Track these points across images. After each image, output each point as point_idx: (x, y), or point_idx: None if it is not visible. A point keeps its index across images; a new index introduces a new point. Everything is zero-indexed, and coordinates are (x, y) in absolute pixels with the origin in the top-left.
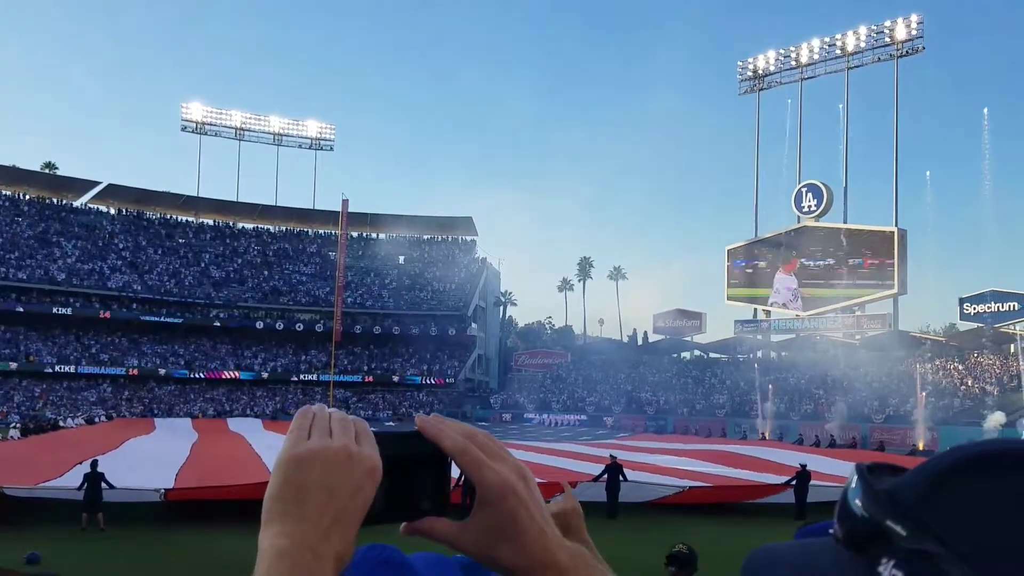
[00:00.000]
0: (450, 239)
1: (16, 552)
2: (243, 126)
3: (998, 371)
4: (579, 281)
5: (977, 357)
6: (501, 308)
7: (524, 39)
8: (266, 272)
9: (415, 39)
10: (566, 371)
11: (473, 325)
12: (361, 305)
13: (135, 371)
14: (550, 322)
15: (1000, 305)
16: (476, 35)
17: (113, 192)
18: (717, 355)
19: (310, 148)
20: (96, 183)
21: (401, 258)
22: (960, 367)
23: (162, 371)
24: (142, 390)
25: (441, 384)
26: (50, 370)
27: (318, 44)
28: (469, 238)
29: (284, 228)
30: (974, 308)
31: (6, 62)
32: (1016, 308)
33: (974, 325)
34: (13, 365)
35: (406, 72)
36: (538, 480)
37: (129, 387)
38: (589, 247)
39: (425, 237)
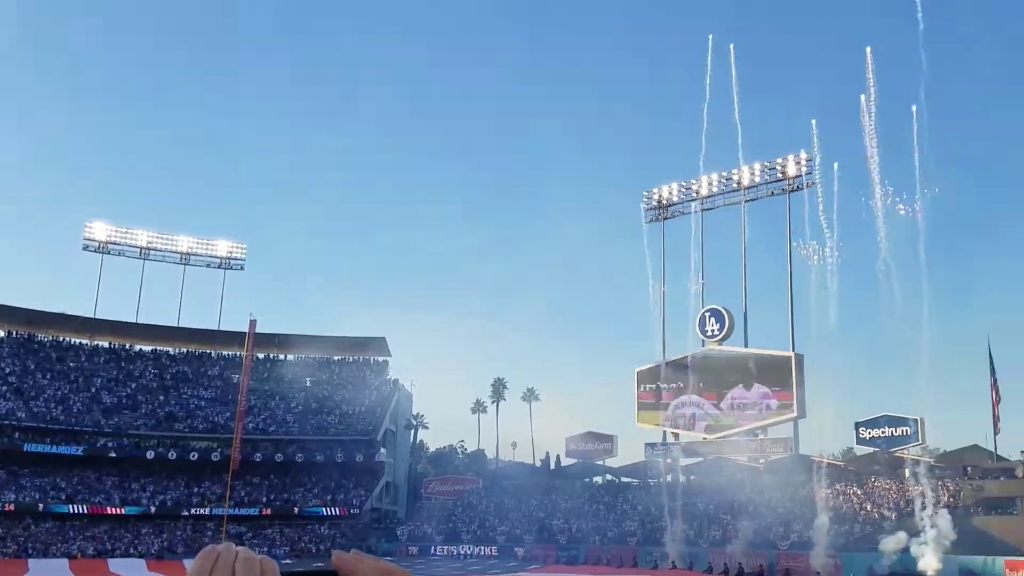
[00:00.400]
0: (361, 360)
1: None
2: (149, 245)
3: (895, 495)
4: (492, 403)
5: (874, 482)
6: (412, 432)
7: (436, 164)
8: (162, 397)
9: (327, 160)
10: (477, 498)
11: (382, 450)
12: (263, 431)
13: (11, 506)
14: (462, 446)
15: (893, 429)
16: (385, 157)
17: (2, 313)
18: (628, 479)
19: (219, 267)
20: None
21: (308, 380)
22: (859, 491)
23: (41, 506)
24: (17, 527)
25: (345, 515)
26: None
27: (230, 163)
28: (381, 359)
29: (185, 350)
30: (869, 433)
31: None
32: (908, 433)
33: (870, 449)
34: None
35: (320, 191)
36: None
37: (3, 524)
38: (503, 368)
39: (335, 358)
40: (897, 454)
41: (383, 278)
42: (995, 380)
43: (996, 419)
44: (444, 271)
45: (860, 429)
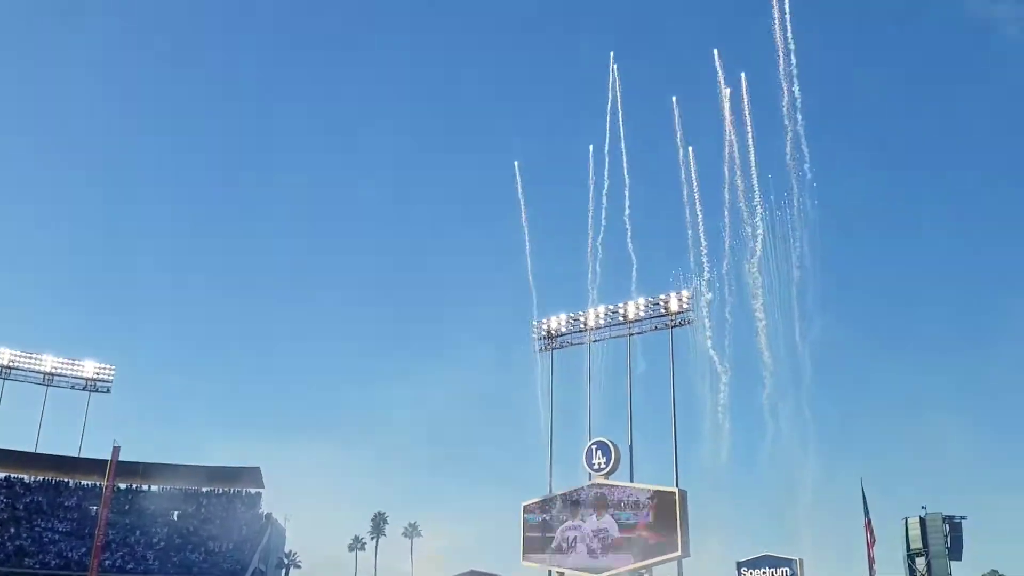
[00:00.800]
0: (232, 492)
1: None
2: (10, 364)
3: None
4: (372, 539)
5: None
6: (283, 571)
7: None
8: (13, 528)
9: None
10: None
11: None
12: (121, 568)
13: None
14: None
15: (774, 570)
16: (268, 281)
17: None
18: None
19: (84, 389)
20: None
21: (175, 513)
22: None
23: None
24: None
25: None
26: None
27: (101, 282)
28: (254, 491)
29: (42, 478)
30: (750, 572)
31: None
32: (788, 574)
33: None
34: None
35: (193, 311)
36: None
37: None
38: (384, 501)
39: (204, 489)
40: None
41: (258, 405)
42: (869, 521)
43: (871, 560)
44: (325, 399)
45: (742, 569)
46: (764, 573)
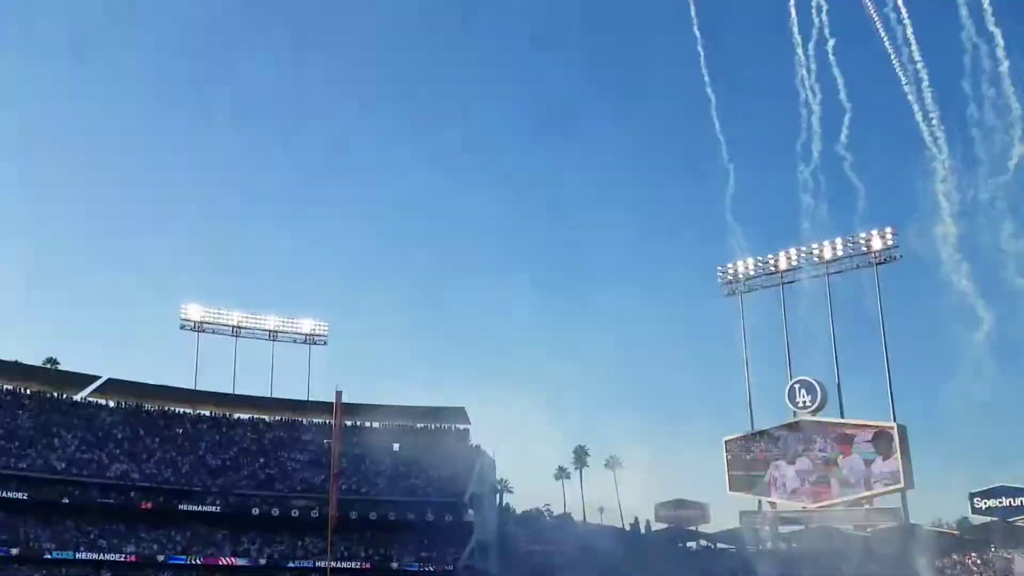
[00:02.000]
0: (443, 427)
1: None
2: (240, 324)
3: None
4: (575, 469)
5: (992, 552)
6: (498, 495)
7: (509, 236)
8: (262, 459)
9: (405, 247)
10: (568, 559)
11: (470, 512)
12: (356, 492)
13: (134, 557)
14: (548, 509)
15: (1011, 500)
16: (467, 236)
17: (113, 386)
18: (725, 545)
19: (304, 343)
20: (96, 377)
21: (396, 446)
22: (977, 561)
23: (160, 557)
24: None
25: (440, 571)
26: (49, 556)
27: (315, 243)
28: (462, 427)
29: (279, 418)
30: (985, 503)
31: (9, 261)
32: None
33: (986, 519)
34: (14, 551)
35: (399, 269)
36: None
37: (128, 573)
38: (584, 436)
39: (418, 426)
40: (1016, 523)
41: (462, 348)
42: None
43: None
44: (522, 340)
45: (975, 499)
46: (1000, 503)
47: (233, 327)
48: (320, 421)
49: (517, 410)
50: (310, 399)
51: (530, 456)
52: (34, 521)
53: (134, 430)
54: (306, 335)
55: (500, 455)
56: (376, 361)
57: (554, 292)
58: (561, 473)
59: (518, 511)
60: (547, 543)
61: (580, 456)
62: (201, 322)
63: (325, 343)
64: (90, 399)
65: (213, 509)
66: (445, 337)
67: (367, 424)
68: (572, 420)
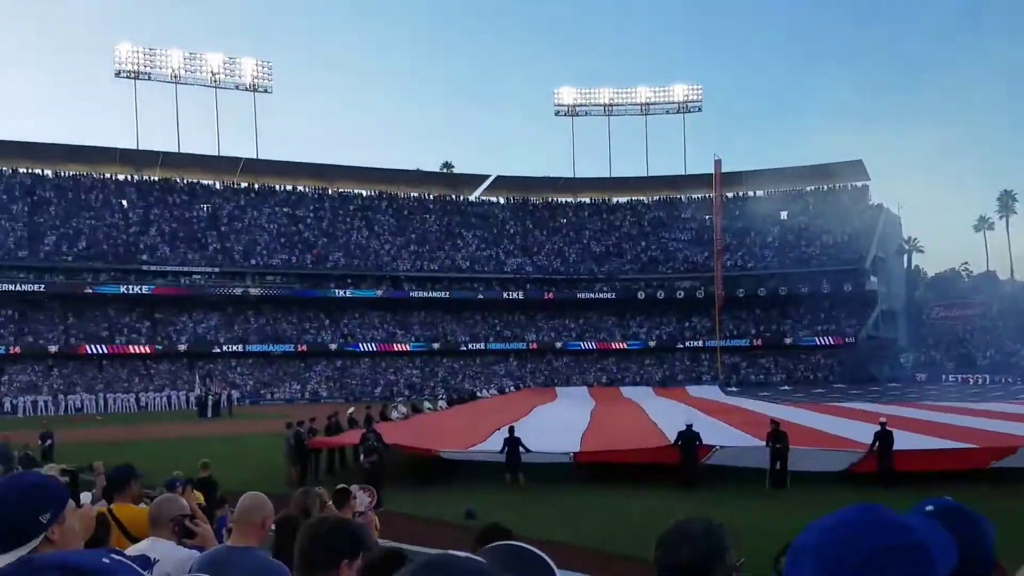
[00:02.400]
0: (836, 187)
1: (455, 507)
2: (611, 102)
3: None
4: (1000, 218)
5: None
6: (905, 257)
7: None
8: (643, 243)
9: None
10: (991, 323)
11: (872, 278)
12: (742, 267)
13: (535, 345)
14: (966, 269)
15: None
16: None
17: (501, 183)
18: None
19: (677, 112)
20: (486, 176)
21: (783, 214)
22: None
23: (558, 344)
24: (542, 362)
25: (840, 344)
26: (464, 348)
27: (683, 8)
28: (859, 184)
29: (657, 197)
30: None
31: (400, 70)
32: None
33: None
34: (435, 345)
35: (775, 20)
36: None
37: (531, 360)
38: (1010, 178)
39: (808, 188)
40: None
41: (848, 98)
42: None
43: None
44: (928, 73)
45: None
46: None
47: (604, 106)
48: (699, 196)
49: (925, 156)
50: (687, 173)
51: (943, 208)
52: (449, 317)
53: (523, 224)
54: (679, 103)
55: (906, 211)
56: (756, 122)
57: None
58: (982, 224)
59: (929, 273)
60: (965, 307)
61: (1006, 202)
62: (574, 105)
63: (700, 109)
64: (483, 198)
65: (601, 296)
66: (831, 83)
67: (750, 193)
68: (994, 159)
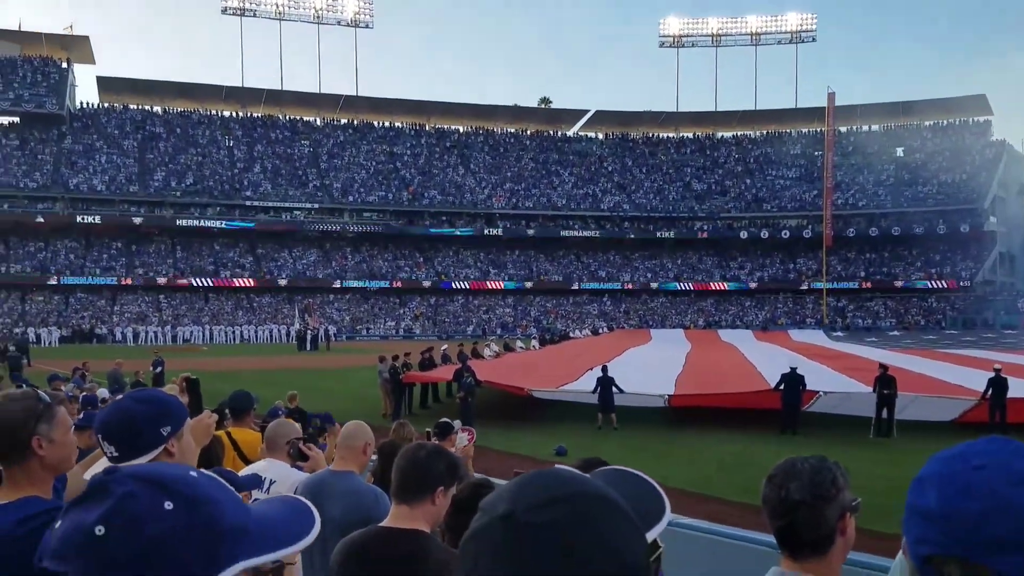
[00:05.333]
0: (956, 123)
1: (546, 445)
2: (719, 32)
3: None
4: None
5: None
6: None
7: None
8: (747, 180)
9: None
10: None
11: (991, 219)
12: (852, 206)
13: (629, 285)
14: None
15: None
16: None
17: (600, 118)
18: None
19: (790, 43)
20: (584, 112)
21: (899, 150)
22: None
23: (653, 284)
24: (637, 303)
25: (953, 288)
26: (558, 287)
27: None
28: (981, 119)
29: (764, 132)
30: None
31: (498, 3)
32: None
33: None
34: (529, 284)
35: None
36: None
37: (625, 300)
38: None
39: (926, 124)
40: None
41: (972, 29)
42: None
43: None
44: None
45: None
46: None
47: (712, 36)
48: (809, 131)
49: None
50: (798, 106)
51: None
52: (543, 256)
53: (622, 161)
54: (791, 33)
55: None
56: (873, 53)
57: None
58: None
59: None
60: None
61: None
62: (680, 36)
63: (813, 39)
64: (581, 133)
65: (701, 235)
66: (953, 13)
67: (864, 128)
68: None
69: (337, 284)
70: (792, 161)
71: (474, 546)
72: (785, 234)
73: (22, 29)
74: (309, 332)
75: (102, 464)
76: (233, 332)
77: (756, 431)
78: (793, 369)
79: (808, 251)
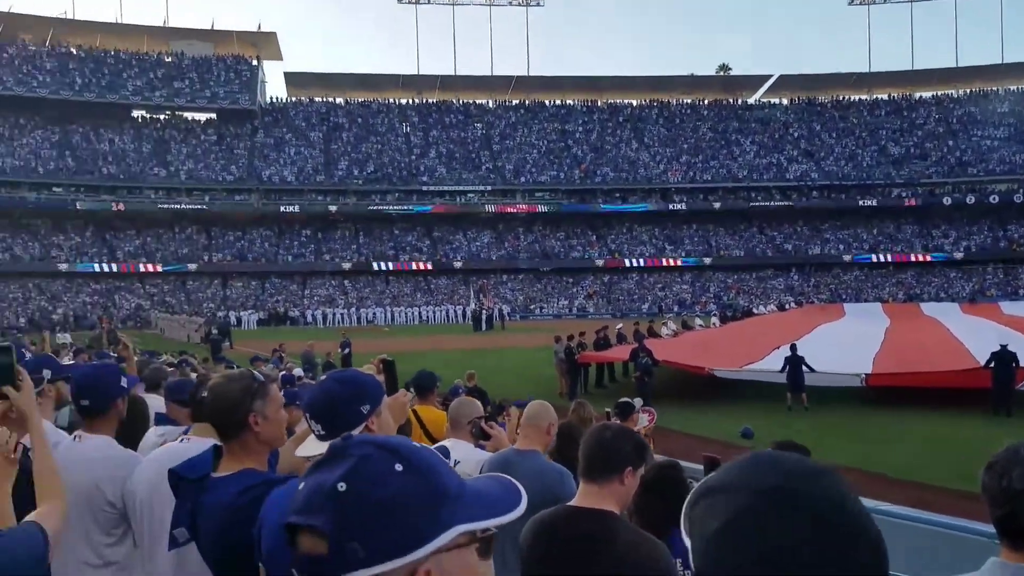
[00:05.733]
0: None
1: (730, 426)
2: None
3: None
4: None
5: None
6: None
7: None
8: (950, 142)
9: None
10: None
11: None
12: None
13: (819, 258)
14: None
15: None
16: None
17: (783, 83)
18: None
19: None
20: (766, 77)
21: None
22: None
23: (846, 257)
24: (827, 276)
25: None
26: (738, 262)
27: None
28: None
29: (967, 91)
30: None
31: None
32: None
33: None
34: (707, 259)
35: None
36: None
37: (814, 274)
38: None
39: None
40: None
41: None
42: None
43: None
44: None
45: None
46: None
47: None
48: (1018, 87)
49: None
50: (1004, 61)
51: None
52: (723, 230)
53: (809, 127)
54: None
55: None
56: None
57: None
58: None
59: None
60: None
61: None
62: None
63: None
64: (763, 100)
65: (899, 203)
66: None
67: None
68: None
69: (510, 264)
70: (1000, 120)
71: (742, 526)
72: (994, 199)
73: (215, 28)
74: (484, 312)
75: (311, 441)
76: (412, 313)
77: (963, 412)
78: (1004, 346)
79: (1020, 217)
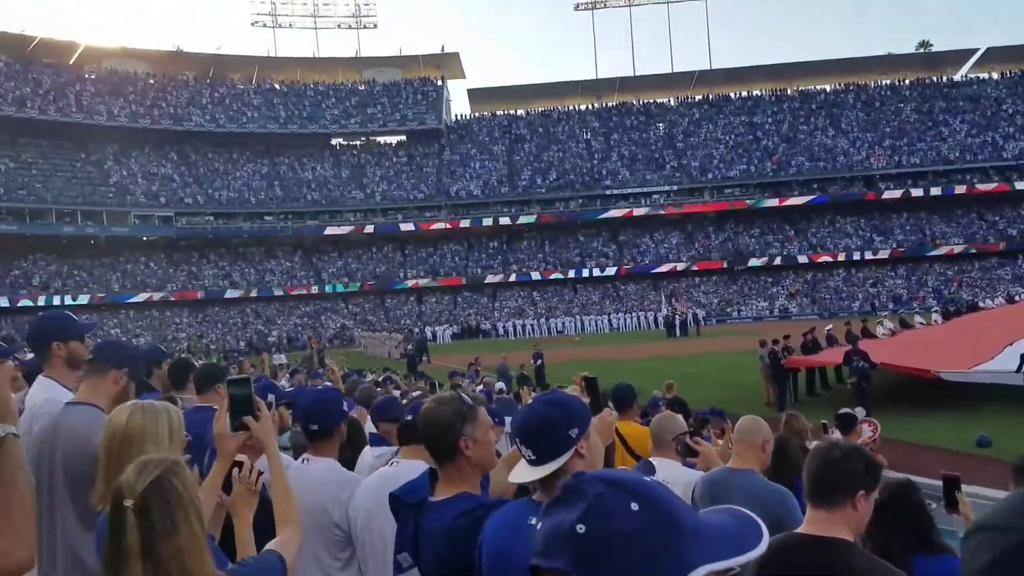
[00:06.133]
0: None
1: (963, 433)
2: None
3: None
4: None
5: None
6: None
7: None
8: None
9: None
10: None
11: None
12: None
13: None
14: None
15: None
16: None
17: (992, 56)
18: None
19: None
20: (973, 51)
21: None
22: None
23: None
24: None
25: None
26: (956, 251)
27: None
28: None
29: None
30: None
31: None
32: None
33: None
34: (922, 250)
35: None
36: None
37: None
38: None
39: None
40: None
41: None
42: None
43: None
44: None
45: None
46: None
47: None
48: None
49: None
50: None
51: None
52: (936, 217)
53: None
54: None
55: None
56: None
57: None
58: None
59: None
60: None
61: None
62: None
63: None
64: (970, 75)
65: None
66: None
67: None
68: None
69: (702, 266)
70: None
71: (1011, 564)
72: None
73: (402, 54)
74: (677, 317)
75: (523, 466)
76: (602, 321)
77: None
78: None
79: None
